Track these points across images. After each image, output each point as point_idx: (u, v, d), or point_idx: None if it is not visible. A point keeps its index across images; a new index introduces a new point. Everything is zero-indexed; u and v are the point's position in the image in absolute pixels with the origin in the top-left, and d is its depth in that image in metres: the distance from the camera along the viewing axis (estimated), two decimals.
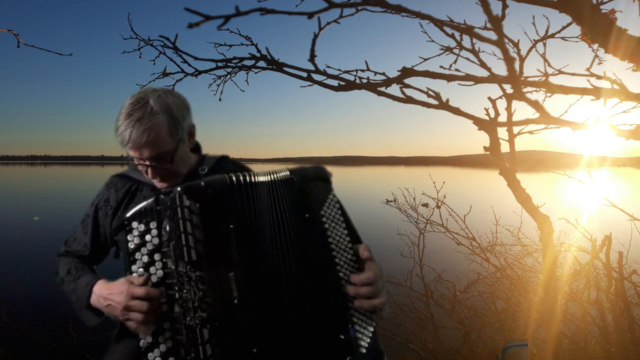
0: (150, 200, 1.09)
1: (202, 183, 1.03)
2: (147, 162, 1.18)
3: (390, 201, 4.58)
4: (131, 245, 1.09)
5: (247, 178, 1.06)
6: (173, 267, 1.03)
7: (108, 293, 1.12)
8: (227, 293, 0.98)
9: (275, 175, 1.09)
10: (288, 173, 1.10)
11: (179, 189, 1.02)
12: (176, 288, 1.02)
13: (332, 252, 1.05)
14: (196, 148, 1.37)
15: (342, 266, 1.05)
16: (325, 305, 1.02)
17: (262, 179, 1.08)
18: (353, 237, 1.11)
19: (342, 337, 1.01)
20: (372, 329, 1.05)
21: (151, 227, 1.08)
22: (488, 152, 2.04)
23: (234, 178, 1.05)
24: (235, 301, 0.98)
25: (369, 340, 1.03)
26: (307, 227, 1.06)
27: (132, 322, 1.06)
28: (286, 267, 1.03)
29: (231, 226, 1.02)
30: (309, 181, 1.10)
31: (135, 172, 1.31)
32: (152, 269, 1.07)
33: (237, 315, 0.98)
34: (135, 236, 1.09)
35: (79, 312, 1.24)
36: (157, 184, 1.26)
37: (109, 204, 1.30)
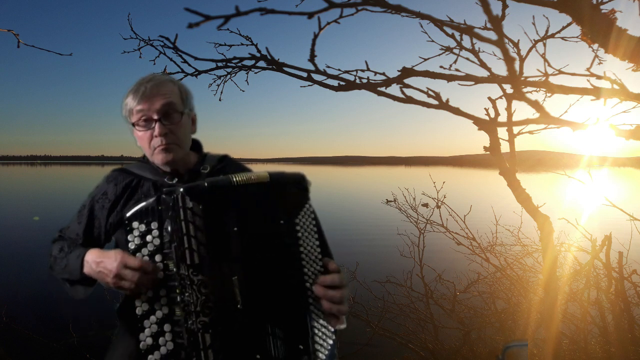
0: (151, 200, 1.07)
1: (205, 184, 1.02)
2: (156, 116, 1.20)
3: (390, 201, 4.57)
4: (131, 246, 1.08)
5: (247, 179, 1.05)
6: (174, 269, 1.01)
7: (100, 260, 1.10)
8: (230, 297, 0.97)
9: (254, 178, 1.06)
10: (267, 176, 1.07)
11: (181, 189, 1.00)
12: (177, 291, 1.00)
13: (302, 261, 1.05)
14: (197, 147, 1.37)
15: (310, 276, 1.06)
16: (287, 314, 1.02)
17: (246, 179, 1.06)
18: (324, 250, 1.11)
19: (301, 347, 1.01)
20: (331, 342, 1.06)
21: (152, 227, 1.06)
22: (488, 152, 2.04)
23: (235, 179, 1.04)
24: (239, 306, 0.97)
25: (327, 352, 1.05)
26: (281, 234, 1.05)
27: (125, 290, 1.06)
28: (265, 273, 1.02)
29: (235, 229, 1.01)
30: (287, 187, 1.08)
31: (137, 167, 1.30)
32: None
33: (240, 320, 0.97)
34: (135, 236, 1.08)
35: (70, 288, 1.23)
36: (161, 154, 1.22)
37: (106, 197, 1.28)
